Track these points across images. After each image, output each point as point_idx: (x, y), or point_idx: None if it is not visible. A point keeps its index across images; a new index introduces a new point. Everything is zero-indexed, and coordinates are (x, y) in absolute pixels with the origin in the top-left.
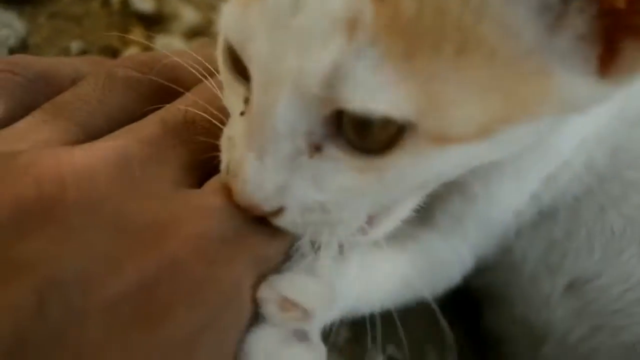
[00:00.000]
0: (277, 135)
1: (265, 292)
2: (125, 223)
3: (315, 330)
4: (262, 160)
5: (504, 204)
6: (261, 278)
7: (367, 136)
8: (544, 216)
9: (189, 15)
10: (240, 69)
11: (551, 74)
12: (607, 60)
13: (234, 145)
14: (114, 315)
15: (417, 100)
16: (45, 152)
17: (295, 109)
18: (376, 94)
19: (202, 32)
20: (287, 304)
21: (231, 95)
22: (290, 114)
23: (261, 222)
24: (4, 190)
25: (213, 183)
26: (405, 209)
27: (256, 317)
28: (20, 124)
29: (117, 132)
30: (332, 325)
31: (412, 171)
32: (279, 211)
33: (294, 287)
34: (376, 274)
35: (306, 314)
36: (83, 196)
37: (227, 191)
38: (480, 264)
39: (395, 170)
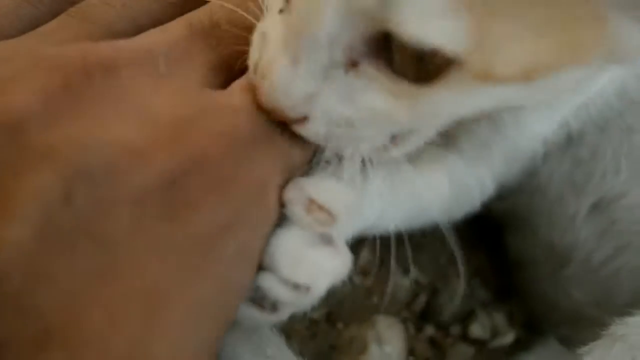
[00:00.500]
0: (316, 44)
1: (292, 193)
2: (152, 116)
3: (340, 237)
4: (295, 67)
5: (533, 133)
6: (287, 182)
7: (412, 63)
8: (572, 139)
9: None
10: None
11: (608, 20)
12: None
13: (267, 43)
14: (141, 206)
15: (471, 34)
16: (72, 46)
17: (342, 21)
18: (430, 22)
19: None
20: (313, 205)
21: None
22: (334, 24)
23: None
24: (31, 79)
25: (240, 83)
26: (430, 132)
27: (282, 220)
28: (46, 26)
29: (143, 34)
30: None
31: (447, 106)
32: (303, 119)
33: (321, 190)
34: (399, 191)
35: (331, 217)
36: (109, 87)
37: (255, 92)
38: (504, 189)
39: (431, 103)
